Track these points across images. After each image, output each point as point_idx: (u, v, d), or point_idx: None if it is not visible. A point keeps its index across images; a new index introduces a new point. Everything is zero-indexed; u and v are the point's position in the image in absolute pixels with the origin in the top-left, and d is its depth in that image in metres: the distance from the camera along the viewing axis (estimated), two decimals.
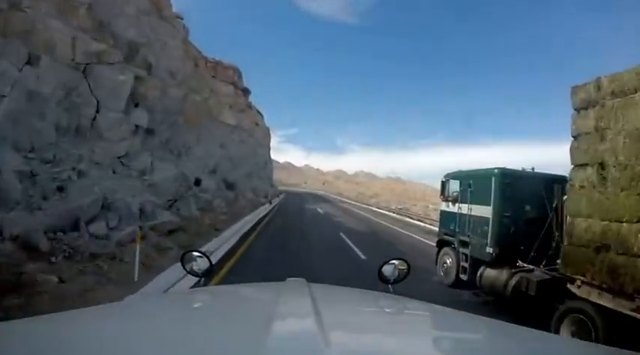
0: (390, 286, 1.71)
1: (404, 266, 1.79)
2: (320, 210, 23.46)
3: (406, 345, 0.88)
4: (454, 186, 6.89)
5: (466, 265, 6.25)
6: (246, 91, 39.10)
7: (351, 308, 1.31)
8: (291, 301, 1.06)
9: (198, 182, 16.00)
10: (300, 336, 0.75)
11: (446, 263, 6.95)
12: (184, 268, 1.77)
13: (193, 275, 1.76)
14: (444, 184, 7.33)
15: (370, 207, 32.10)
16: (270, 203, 25.69)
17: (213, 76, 32.62)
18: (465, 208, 6.43)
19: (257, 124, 40.43)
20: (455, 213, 6.76)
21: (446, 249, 7.07)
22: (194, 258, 1.75)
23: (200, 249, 2.33)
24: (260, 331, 0.70)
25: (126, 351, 0.70)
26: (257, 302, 1.30)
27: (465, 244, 6.38)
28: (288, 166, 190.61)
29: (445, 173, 7.43)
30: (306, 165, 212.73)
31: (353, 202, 41.83)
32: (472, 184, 6.35)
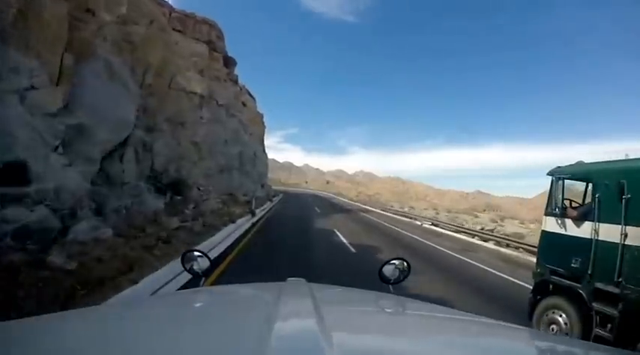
0: (390, 286, 1.65)
1: (404, 267, 1.72)
2: (343, 239, 10.82)
3: (407, 345, 0.85)
4: (577, 189, 4.39)
5: (607, 333, 3.40)
6: (229, 60, 28.43)
7: (352, 308, 1.25)
8: (291, 301, 1.02)
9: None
10: (301, 336, 0.72)
11: (556, 322, 3.92)
12: (184, 267, 1.70)
13: (193, 274, 1.69)
14: (553, 186, 4.29)
15: (414, 221, 20.67)
16: (254, 215, 14.97)
17: (179, 31, 22.20)
18: (609, 232, 3.51)
19: (244, 104, 29.77)
20: (582, 239, 3.78)
21: (555, 300, 4.04)
22: (194, 258, 1.69)
23: (200, 249, 2.05)
24: (261, 331, 0.68)
25: (126, 351, 0.67)
26: (258, 303, 1.22)
27: (607, 298, 3.47)
28: (288, 166, 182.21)
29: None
30: (305, 165, 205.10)
31: (373, 209, 30.41)
32: (629, 187, 3.41)
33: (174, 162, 13.07)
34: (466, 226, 16.14)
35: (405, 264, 1.73)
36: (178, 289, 5.05)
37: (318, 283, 1.43)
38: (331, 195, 62.31)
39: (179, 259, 6.05)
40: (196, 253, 1.73)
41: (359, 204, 37.56)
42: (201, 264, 1.68)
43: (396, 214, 24.74)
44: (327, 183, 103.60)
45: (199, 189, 13.39)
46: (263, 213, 17.99)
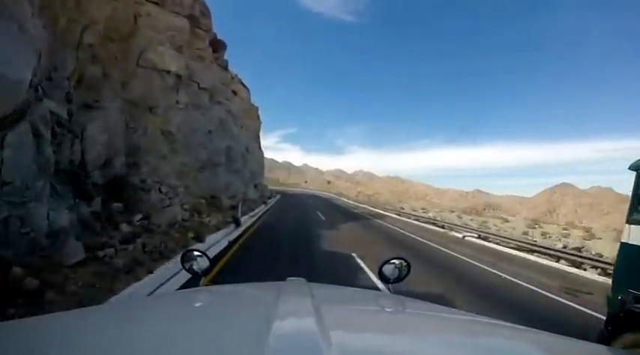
0: (390, 286, 1.66)
1: (404, 266, 1.72)
2: (371, 276, 6.36)
3: (406, 345, 0.83)
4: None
5: None
6: (217, 43, 24.69)
7: (352, 307, 1.22)
8: (291, 301, 1.00)
9: None
10: (300, 336, 0.70)
11: None
12: (184, 267, 1.67)
13: (193, 274, 1.66)
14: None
15: (448, 231, 16.83)
16: (238, 225, 11.27)
17: (155, 2, 18.53)
18: None
19: (235, 93, 26.00)
20: None
21: None
22: (194, 257, 1.67)
23: (199, 249, 1.96)
24: (260, 331, 0.67)
25: (125, 351, 0.67)
26: (257, 302, 1.19)
27: None
28: (287, 165, 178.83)
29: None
30: (305, 165, 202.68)
31: (386, 213, 26.38)
32: None
33: (122, 153, 9.32)
34: (535, 241, 12.10)
35: (405, 263, 1.72)
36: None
37: (318, 283, 1.42)
38: (332, 195, 58.55)
39: None
40: (196, 253, 1.69)
41: (366, 207, 33.50)
42: (201, 263, 1.65)
43: (417, 220, 20.50)
44: (329, 183, 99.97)
45: (161, 192, 9.66)
46: (252, 220, 14.27)
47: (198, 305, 1.17)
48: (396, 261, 1.71)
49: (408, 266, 1.72)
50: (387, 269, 1.69)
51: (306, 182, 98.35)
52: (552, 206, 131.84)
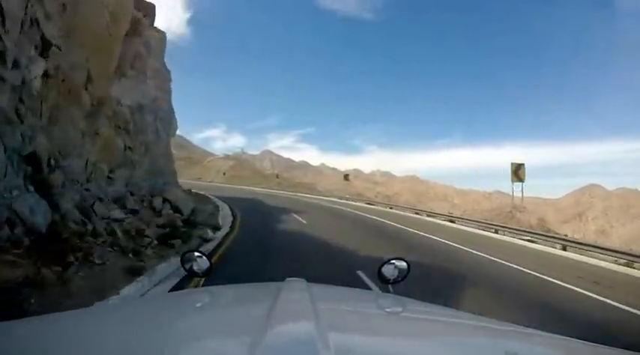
0: (390, 286, 1.62)
1: (404, 266, 1.64)
2: None
3: (407, 346, 0.81)
4: None
5: None
6: None
7: (351, 308, 1.20)
8: (290, 301, 0.96)
9: None
10: (299, 337, 0.69)
11: None
12: (184, 268, 1.64)
13: (193, 274, 1.65)
14: None
15: None
16: None
17: None
18: None
19: None
20: None
21: None
22: (194, 258, 1.62)
23: (200, 249, 1.98)
24: (258, 331, 0.66)
25: (124, 351, 0.66)
26: (256, 302, 1.14)
27: None
28: (304, 165, 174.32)
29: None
30: (322, 164, 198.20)
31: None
32: None
33: None
34: None
35: (405, 263, 1.66)
36: (175, 290, 4.61)
37: (318, 283, 1.36)
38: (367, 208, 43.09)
39: None
40: (196, 253, 1.65)
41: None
42: (201, 264, 1.61)
43: None
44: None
45: None
46: None
47: (197, 305, 1.15)
48: (396, 262, 1.64)
49: (408, 266, 1.64)
50: (387, 269, 1.63)
51: (347, 179, 62.34)
52: (581, 208, 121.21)
